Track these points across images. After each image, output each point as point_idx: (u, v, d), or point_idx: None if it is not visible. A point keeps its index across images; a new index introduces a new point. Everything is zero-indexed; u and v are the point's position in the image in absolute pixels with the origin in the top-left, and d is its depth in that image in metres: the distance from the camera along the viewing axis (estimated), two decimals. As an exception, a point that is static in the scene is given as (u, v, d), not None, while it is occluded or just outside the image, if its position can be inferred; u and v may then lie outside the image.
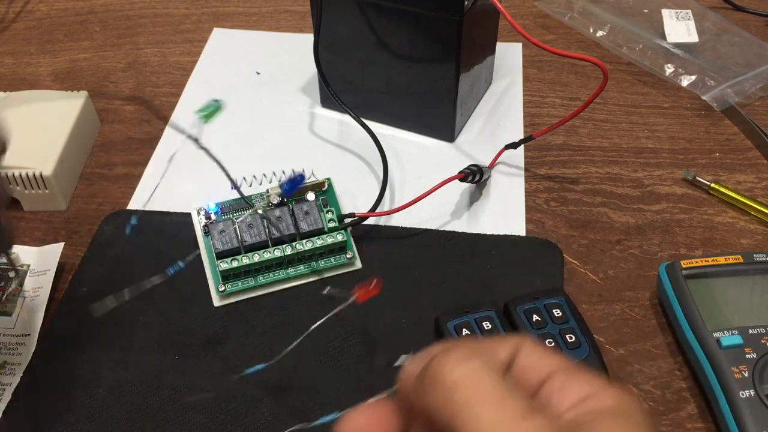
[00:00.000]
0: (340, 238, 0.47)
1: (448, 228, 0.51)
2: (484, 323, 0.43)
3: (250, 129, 0.59)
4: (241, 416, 0.41)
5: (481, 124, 0.58)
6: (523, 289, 0.45)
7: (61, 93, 0.58)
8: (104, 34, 0.69)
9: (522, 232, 0.50)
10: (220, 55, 0.66)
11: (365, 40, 0.53)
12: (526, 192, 0.53)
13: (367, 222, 0.50)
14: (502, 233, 0.50)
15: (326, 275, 0.47)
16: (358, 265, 0.48)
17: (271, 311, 0.46)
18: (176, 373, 0.43)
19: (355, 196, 0.53)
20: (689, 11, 0.66)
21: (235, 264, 0.46)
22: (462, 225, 0.51)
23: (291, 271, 0.47)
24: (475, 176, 0.51)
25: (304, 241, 0.47)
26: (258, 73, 0.64)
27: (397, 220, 0.51)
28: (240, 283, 0.46)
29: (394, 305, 0.45)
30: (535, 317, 0.43)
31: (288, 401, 0.41)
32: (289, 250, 0.46)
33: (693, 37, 0.65)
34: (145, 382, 0.42)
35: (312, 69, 0.58)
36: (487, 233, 0.50)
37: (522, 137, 0.55)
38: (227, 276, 0.46)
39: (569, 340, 0.42)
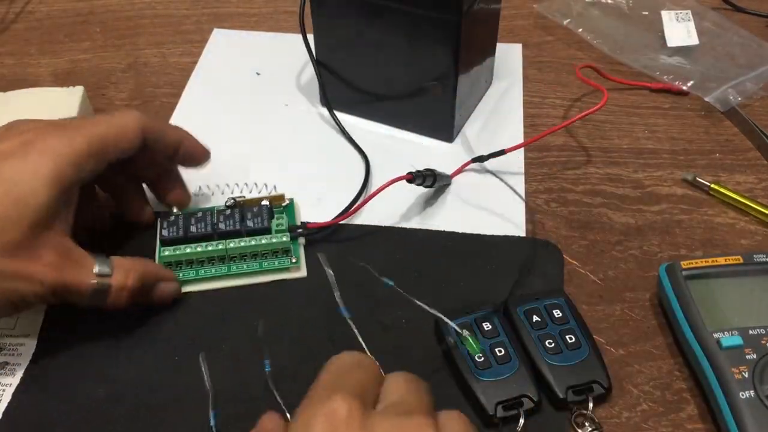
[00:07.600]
0: (284, 239, 0.47)
1: (448, 228, 0.51)
2: (484, 323, 0.43)
3: (250, 129, 0.59)
4: (241, 416, 0.41)
5: (480, 125, 0.58)
6: (523, 290, 0.45)
7: (55, 89, 0.57)
8: (104, 35, 0.69)
9: (522, 233, 0.50)
10: (220, 55, 0.66)
11: (365, 40, 0.53)
12: (526, 193, 0.53)
13: (367, 222, 0.50)
14: (502, 233, 0.50)
15: (270, 278, 0.47)
16: (304, 272, 0.48)
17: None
18: (176, 373, 0.43)
19: (351, 198, 0.52)
20: (689, 12, 0.66)
21: (177, 252, 0.46)
22: (462, 225, 0.51)
23: (233, 267, 0.47)
24: (426, 180, 0.49)
25: (248, 238, 0.47)
26: (258, 74, 0.64)
27: (397, 220, 0.51)
28: (181, 275, 0.47)
29: (394, 305, 0.45)
30: (535, 318, 0.43)
31: (288, 403, 0.41)
32: (232, 245, 0.47)
33: (693, 39, 0.65)
34: (145, 382, 0.42)
35: (312, 69, 0.58)
36: (487, 233, 0.50)
37: (522, 138, 0.55)
38: (169, 264, 0.47)
39: (569, 341, 0.42)
